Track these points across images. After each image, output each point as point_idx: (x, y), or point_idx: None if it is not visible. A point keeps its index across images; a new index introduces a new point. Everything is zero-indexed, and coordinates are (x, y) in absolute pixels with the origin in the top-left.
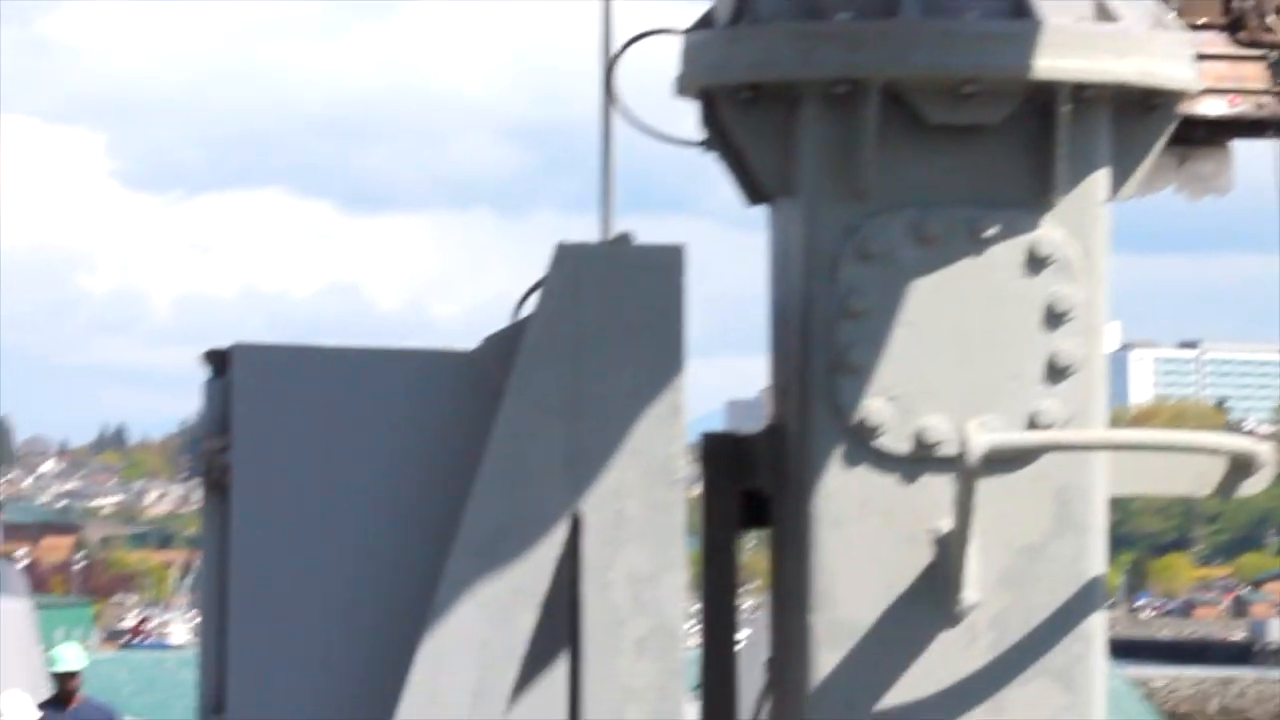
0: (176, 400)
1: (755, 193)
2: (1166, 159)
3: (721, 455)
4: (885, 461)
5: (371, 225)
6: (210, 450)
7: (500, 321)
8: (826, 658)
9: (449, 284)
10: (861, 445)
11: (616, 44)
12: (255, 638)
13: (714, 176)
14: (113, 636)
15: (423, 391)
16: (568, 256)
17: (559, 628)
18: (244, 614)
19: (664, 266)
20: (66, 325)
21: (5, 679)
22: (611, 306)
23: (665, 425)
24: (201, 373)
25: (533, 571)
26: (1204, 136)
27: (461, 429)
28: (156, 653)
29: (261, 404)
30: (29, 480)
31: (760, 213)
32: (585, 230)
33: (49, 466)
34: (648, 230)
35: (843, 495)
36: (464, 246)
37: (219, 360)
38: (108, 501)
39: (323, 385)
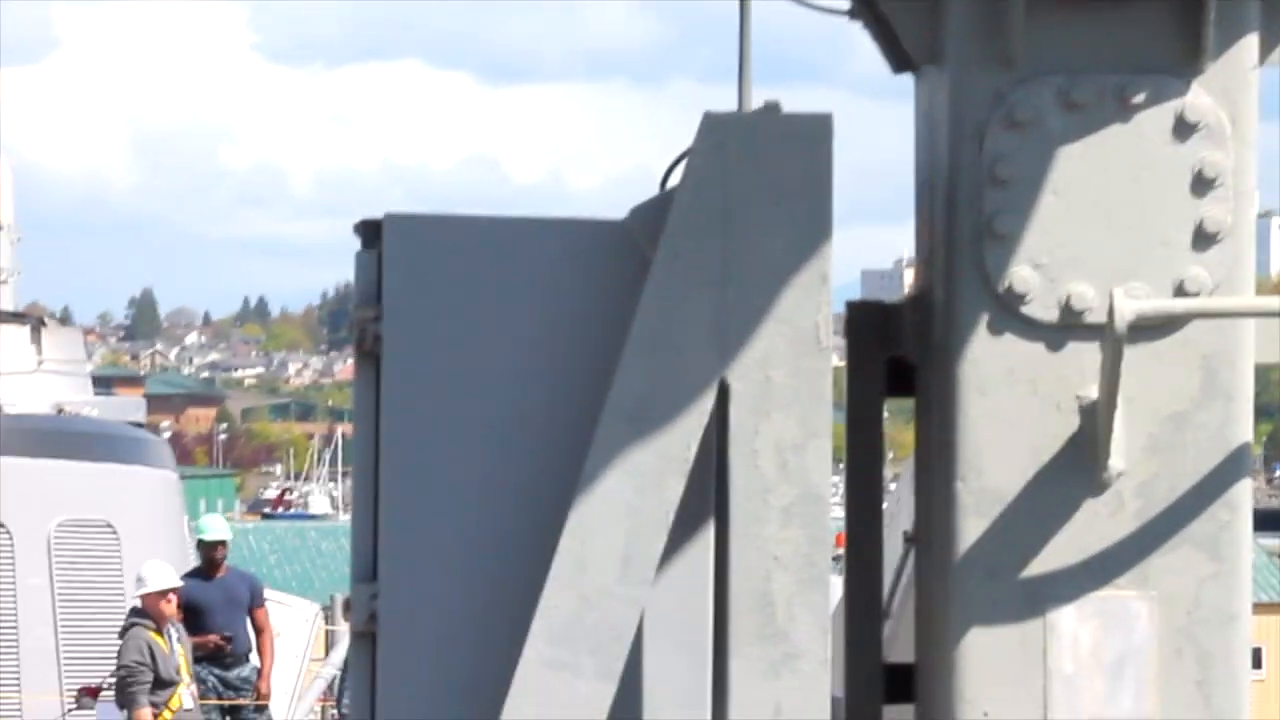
0: (317, 272)
1: (901, 61)
2: None
3: (867, 324)
4: (1032, 329)
5: (510, 97)
6: (362, 320)
7: (637, 193)
8: (971, 526)
9: (587, 156)
10: (1008, 312)
11: None
12: (406, 506)
13: (849, 47)
14: (254, 508)
15: (572, 261)
16: (715, 125)
17: (706, 495)
18: (395, 482)
19: (812, 134)
20: (210, 198)
21: (153, 549)
22: (759, 175)
23: (812, 293)
24: (352, 240)
25: (681, 439)
26: None
27: (610, 299)
28: (298, 523)
29: (412, 274)
30: (174, 352)
31: (896, 84)
32: (722, 100)
33: (193, 338)
34: (783, 100)
35: (988, 363)
36: (602, 118)
37: (371, 231)
38: (249, 373)
39: (473, 255)
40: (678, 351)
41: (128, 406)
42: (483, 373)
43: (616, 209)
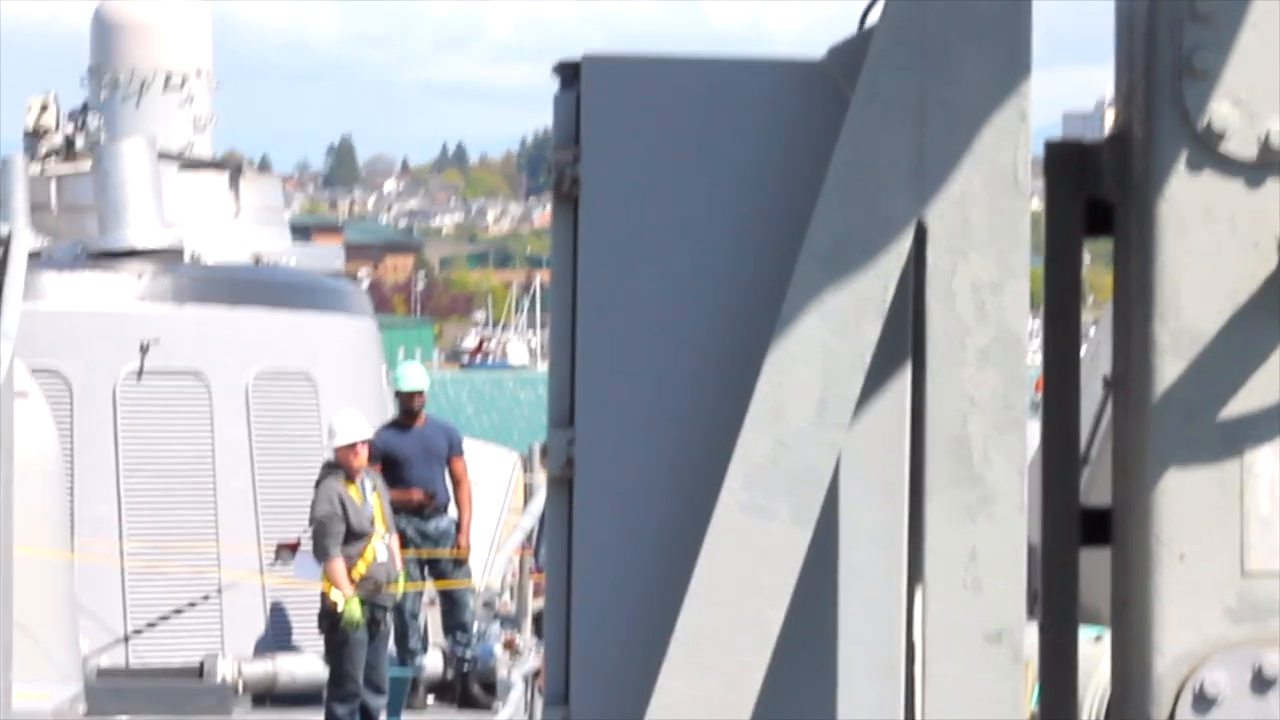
0: (516, 118)
1: None
2: None
3: (1065, 163)
4: (1231, 167)
5: None
6: (560, 162)
7: (838, 35)
8: (1170, 366)
9: None
10: (1207, 150)
11: None
12: (604, 350)
13: None
14: (453, 357)
15: (771, 101)
16: None
17: (902, 337)
18: (593, 326)
19: None
20: (408, 43)
21: (350, 400)
22: (958, 11)
23: (1011, 132)
24: (551, 85)
25: (878, 280)
26: None
27: (810, 139)
28: (497, 373)
29: (611, 115)
30: (371, 200)
31: None
32: None
33: (391, 186)
34: None
35: (1187, 202)
36: None
37: (569, 72)
38: (448, 220)
39: (672, 96)
40: (875, 191)
41: (326, 255)
42: (682, 216)
43: (817, 51)
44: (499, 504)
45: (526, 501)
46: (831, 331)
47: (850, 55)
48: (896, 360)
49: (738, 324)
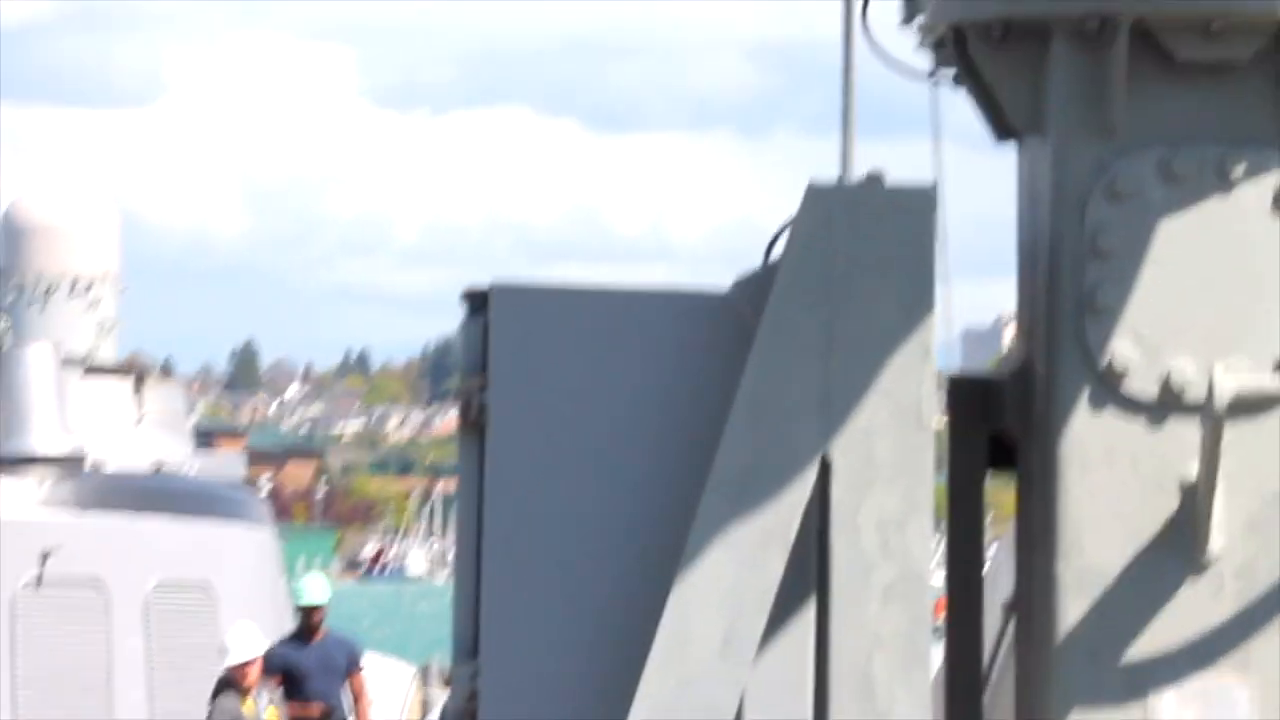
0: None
1: (1003, 129)
2: None
3: (969, 398)
4: (1132, 406)
5: (614, 145)
6: (468, 390)
7: (739, 246)
8: (1073, 605)
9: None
10: (1108, 389)
11: None
12: (509, 580)
13: (951, 97)
14: (352, 566)
15: (676, 332)
16: (819, 197)
17: (807, 572)
18: (499, 555)
19: (915, 207)
20: (313, 247)
21: (250, 610)
22: (863, 247)
23: (915, 367)
24: (455, 295)
25: (783, 514)
26: None
27: (715, 370)
28: (395, 583)
29: (519, 344)
30: (274, 405)
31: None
32: (827, 152)
33: (294, 391)
34: (888, 152)
35: (1089, 441)
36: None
37: (477, 300)
38: (349, 427)
39: (579, 326)
40: (781, 424)
41: (227, 464)
42: (589, 446)
43: (719, 262)
44: (394, 717)
45: (423, 716)
46: (736, 565)
47: (755, 287)
48: (800, 594)
49: (643, 556)
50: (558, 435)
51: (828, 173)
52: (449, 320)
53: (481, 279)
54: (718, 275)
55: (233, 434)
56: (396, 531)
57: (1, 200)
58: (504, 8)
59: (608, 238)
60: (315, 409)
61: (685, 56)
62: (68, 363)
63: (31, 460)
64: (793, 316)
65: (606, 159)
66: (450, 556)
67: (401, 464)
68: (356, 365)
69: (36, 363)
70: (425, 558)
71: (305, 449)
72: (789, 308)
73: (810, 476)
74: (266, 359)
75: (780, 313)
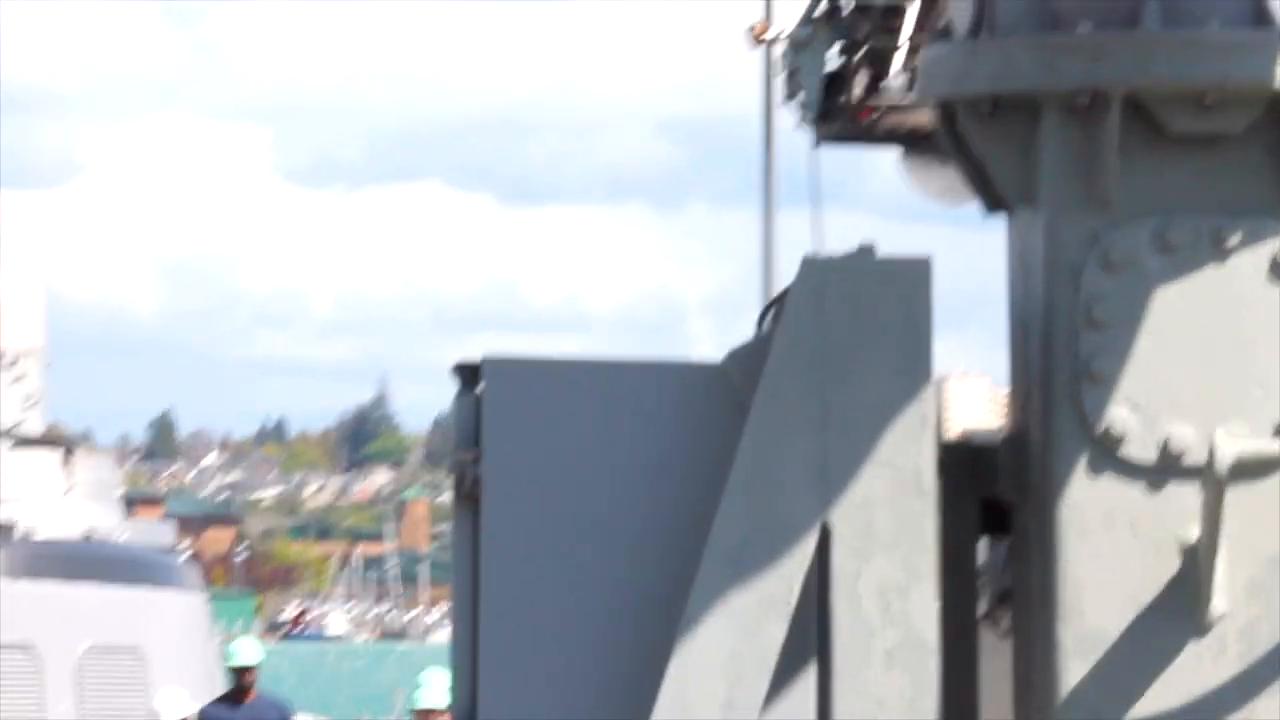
0: (335, 393)
1: (994, 201)
2: None
3: (961, 464)
4: (1131, 471)
5: (529, 218)
6: (461, 462)
7: (654, 316)
8: (1074, 668)
9: (605, 278)
10: (1106, 454)
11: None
12: (506, 649)
13: (871, 168)
14: (273, 628)
15: (670, 404)
16: (814, 269)
17: (808, 639)
18: (495, 625)
19: (912, 278)
20: (229, 320)
21: (181, 674)
22: (858, 318)
23: (914, 436)
24: (368, 366)
25: (782, 582)
26: None
27: (709, 441)
28: (316, 644)
29: (512, 417)
30: (192, 473)
31: (914, 207)
32: (740, 224)
33: (212, 459)
34: (803, 223)
35: (1088, 505)
36: (620, 240)
37: (468, 374)
38: (268, 493)
39: (572, 398)
40: (778, 493)
41: (156, 531)
42: (585, 517)
43: (634, 331)
44: None
45: None
46: (736, 633)
47: (750, 358)
48: (801, 661)
49: (641, 626)
50: (553, 506)
51: (741, 244)
52: (365, 389)
53: (397, 350)
54: (633, 345)
55: (152, 501)
56: (316, 595)
57: None
58: (416, 86)
59: (524, 308)
60: (233, 476)
61: (597, 131)
62: None
63: None
64: (789, 388)
65: (521, 231)
66: (369, 618)
67: (320, 529)
68: (274, 433)
69: None
70: (345, 619)
71: (224, 515)
72: (784, 379)
73: (810, 545)
74: (184, 429)
75: (776, 384)
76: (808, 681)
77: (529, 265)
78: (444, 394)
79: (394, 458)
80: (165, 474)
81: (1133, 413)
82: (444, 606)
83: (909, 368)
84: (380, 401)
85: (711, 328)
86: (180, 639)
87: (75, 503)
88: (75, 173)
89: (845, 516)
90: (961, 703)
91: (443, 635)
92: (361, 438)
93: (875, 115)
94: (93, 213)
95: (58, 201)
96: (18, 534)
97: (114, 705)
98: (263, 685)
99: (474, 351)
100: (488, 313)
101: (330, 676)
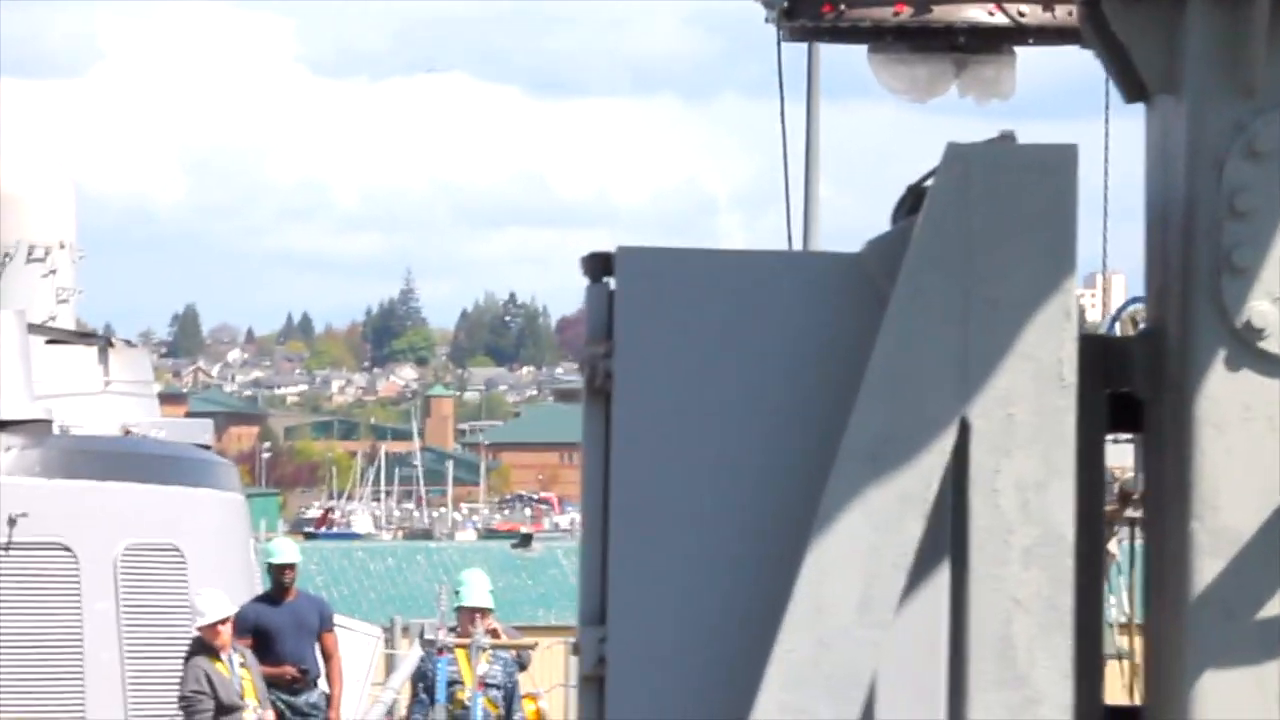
0: (361, 288)
1: (1134, 89)
2: (944, 64)
3: (1089, 358)
4: (1270, 365)
5: (557, 111)
6: (592, 356)
7: (684, 208)
8: (1207, 565)
9: (633, 171)
10: (1246, 348)
11: None
12: (637, 546)
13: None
14: (297, 527)
15: (807, 296)
16: (957, 158)
17: (942, 536)
18: (626, 521)
19: (1057, 166)
20: (253, 213)
21: (219, 573)
22: (1002, 207)
23: (1056, 329)
24: (395, 259)
25: (920, 478)
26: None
27: (845, 334)
28: (345, 543)
29: (645, 309)
30: (216, 369)
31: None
32: (768, 115)
33: (235, 355)
34: (833, 114)
35: (1225, 399)
36: (649, 133)
37: (598, 265)
38: (292, 391)
39: (707, 289)
40: (918, 389)
41: (194, 428)
42: (716, 410)
43: (663, 225)
44: (362, 677)
45: (388, 675)
46: (873, 528)
47: (889, 249)
48: (935, 558)
49: (773, 520)
50: (685, 400)
51: (770, 135)
52: (391, 284)
53: (423, 244)
54: (662, 238)
55: (175, 398)
56: (341, 494)
57: None
58: None
59: (552, 202)
60: (257, 373)
61: (626, 22)
62: (31, 329)
63: (0, 425)
64: (929, 280)
65: (549, 124)
66: (394, 516)
67: (345, 427)
68: (298, 330)
69: (2, 329)
70: (370, 519)
71: (247, 413)
72: (925, 270)
73: (948, 441)
74: (207, 324)
75: (916, 276)
76: (942, 579)
77: (557, 158)
78: (470, 289)
79: (419, 354)
80: (188, 370)
81: (1274, 305)
82: (468, 506)
83: (1053, 258)
84: (406, 296)
85: (742, 221)
86: (219, 538)
87: (112, 399)
88: (96, 60)
89: (984, 411)
90: (1090, 601)
91: (469, 534)
92: (386, 334)
93: (839, 9)
94: (113, 103)
95: (76, 91)
96: (55, 431)
97: (152, 604)
98: (300, 584)
99: (499, 245)
100: (515, 206)
101: (358, 575)
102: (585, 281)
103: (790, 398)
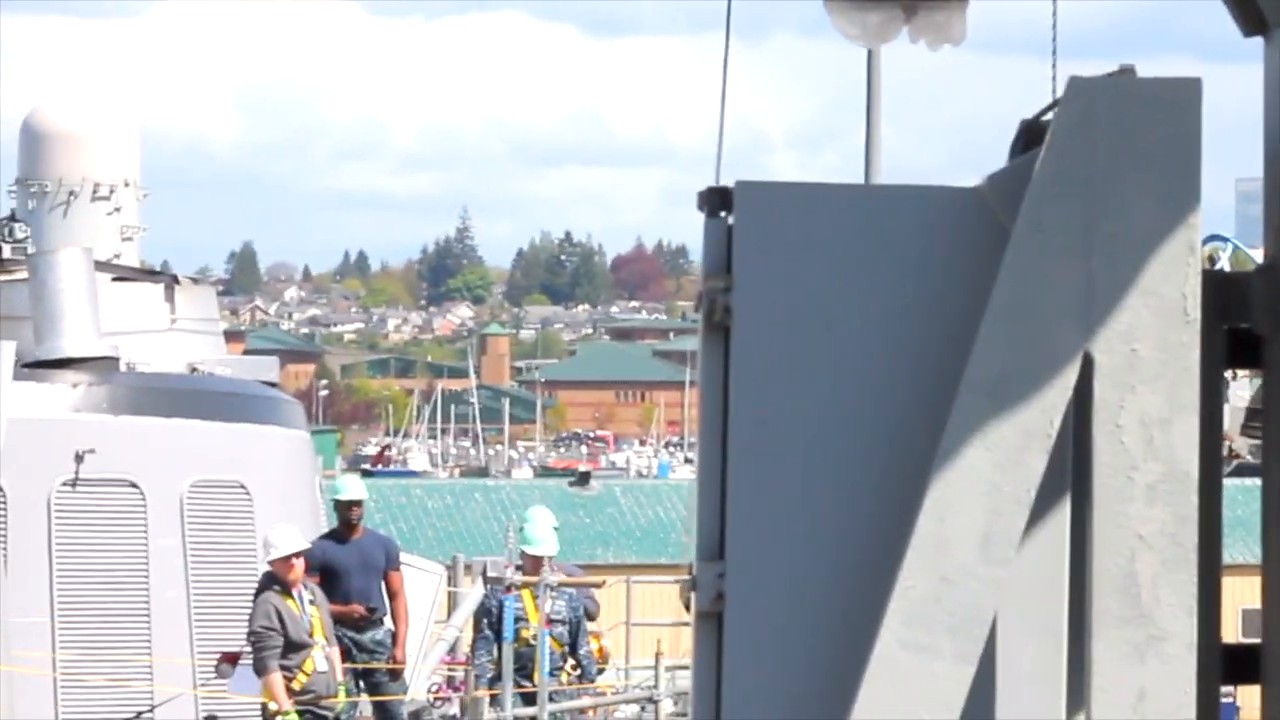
0: (417, 227)
1: (1253, 22)
2: (895, 9)
3: (1209, 293)
4: None
5: (612, 49)
6: (711, 290)
7: (739, 146)
8: None
9: (689, 109)
10: None
11: None
12: (756, 481)
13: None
14: (354, 464)
15: (926, 229)
16: (1081, 90)
17: (1063, 472)
18: (745, 456)
19: (1182, 99)
20: (310, 152)
21: (285, 510)
22: (1126, 141)
23: (1180, 264)
24: (451, 197)
25: (1043, 414)
26: None
27: (965, 268)
28: (401, 480)
29: (764, 243)
30: (273, 307)
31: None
32: (825, 54)
33: (292, 293)
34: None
35: None
36: (704, 71)
37: (716, 199)
38: (349, 328)
39: (826, 224)
40: (1040, 323)
41: (260, 365)
42: (835, 344)
43: (712, 162)
44: (426, 615)
45: (450, 613)
46: (995, 464)
47: (1010, 182)
48: (1057, 494)
49: (893, 456)
50: (804, 335)
51: (827, 75)
52: (447, 223)
53: (478, 183)
54: (718, 176)
55: (232, 336)
56: (397, 431)
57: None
58: None
59: (608, 140)
60: (313, 311)
61: None
62: (98, 267)
63: (67, 363)
64: (1051, 214)
65: (604, 62)
66: (451, 454)
67: (401, 365)
68: (355, 267)
69: (69, 267)
70: (427, 456)
71: (304, 351)
72: (1047, 204)
73: (1071, 377)
74: (264, 262)
75: (1038, 210)
76: (1063, 516)
77: (612, 97)
78: (525, 228)
79: (475, 292)
80: (245, 308)
81: None
82: (524, 443)
83: (1177, 193)
84: (462, 235)
85: (797, 160)
86: (284, 475)
87: (179, 336)
88: (151, 1)
89: (1108, 347)
90: (1210, 537)
91: (525, 472)
92: (442, 272)
93: None
94: (169, 42)
95: (133, 31)
96: (122, 367)
97: (218, 539)
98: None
99: (555, 184)
100: (570, 145)
101: (416, 512)
102: (700, 217)
103: (910, 332)
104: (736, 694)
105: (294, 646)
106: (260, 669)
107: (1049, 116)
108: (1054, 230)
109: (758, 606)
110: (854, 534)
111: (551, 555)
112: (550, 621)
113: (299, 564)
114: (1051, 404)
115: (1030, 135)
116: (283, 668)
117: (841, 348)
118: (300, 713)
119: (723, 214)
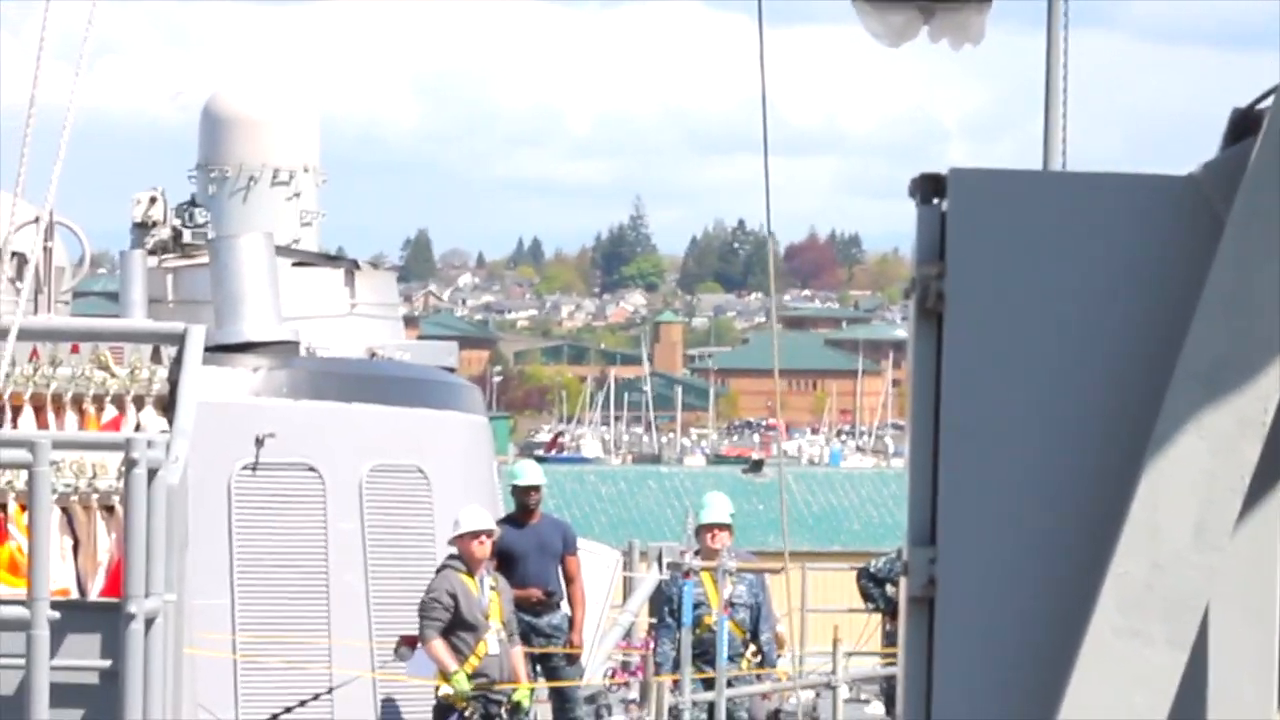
0: (592, 214)
1: None
2: (914, 10)
3: None
4: None
5: (786, 37)
6: (924, 277)
7: (913, 135)
8: None
9: (863, 98)
10: None
11: None
12: (968, 468)
13: None
14: (527, 450)
15: (1141, 217)
16: None
17: (1275, 460)
18: (957, 442)
19: None
20: (485, 139)
21: (463, 495)
22: None
23: None
24: (626, 185)
25: (1258, 402)
26: None
27: (1180, 256)
28: (576, 467)
29: (978, 230)
30: (447, 293)
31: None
32: (1001, 43)
33: (466, 280)
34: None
35: None
36: (877, 60)
37: (929, 186)
38: (522, 315)
39: (1040, 211)
40: (1255, 311)
41: (440, 351)
42: (1049, 331)
43: (891, 153)
44: (602, 600)
45: (625, 598)
46: (1210, 452)
47: (1227, 170)
48: (1270, 483)
49: (1106, 443)
50: (1017, 321)
51: (1003, 65)
52: (621, 210)
53: (652, 170)
54: (891, 166)
55: (407, 322)
56: (570, 418)
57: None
58: None
59: (781, 129)
60: (487, 298)
61: None
62: (278, 252)
63: (247, 347)
64: (1268, 202)
65: (779, 51)
66: (624, 441)
67: (575, 352)
68: (529, 254)
69: (250, 251)
70: (599, 443)
71: (478, 337)
72: (1264, 192)
73: None
74: (438, 249)
75: (1255, 198)
76: (1276, 504)
77: (786, 85)
78: (699, 216)
79: (649, 280)
80: (420, 294)
81: None
82: (697, 431)
83: None
84: (636, 223)
85: (972, 150)
86: (463, 460)
87: (358, 321)
88: None
89: None
90: None
91: (697, 459)
92: (616, 260)
93: None
94: (346, 28)
95: (310, 17)
96: (302, 352)
97: (397, 524)
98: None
99: (728, 172)
100: (743, 133)
101: (589, 499)
102: (913, 204)
103: (1124, 319)
104: (947, 679)
105: (467, 625)
106: (422, 638)
107: (1265, 104)
108: (1270, 218)
109: (970, 592)
110: (1065, 519)
111: (724, 523)
112: (730, 605)
113: (487, 543)
114: (1266, 392)
115: (1243, 123)
116: (454, 648)
117: (1055, 334)
118: (469, 675)
119: (935, 200)
